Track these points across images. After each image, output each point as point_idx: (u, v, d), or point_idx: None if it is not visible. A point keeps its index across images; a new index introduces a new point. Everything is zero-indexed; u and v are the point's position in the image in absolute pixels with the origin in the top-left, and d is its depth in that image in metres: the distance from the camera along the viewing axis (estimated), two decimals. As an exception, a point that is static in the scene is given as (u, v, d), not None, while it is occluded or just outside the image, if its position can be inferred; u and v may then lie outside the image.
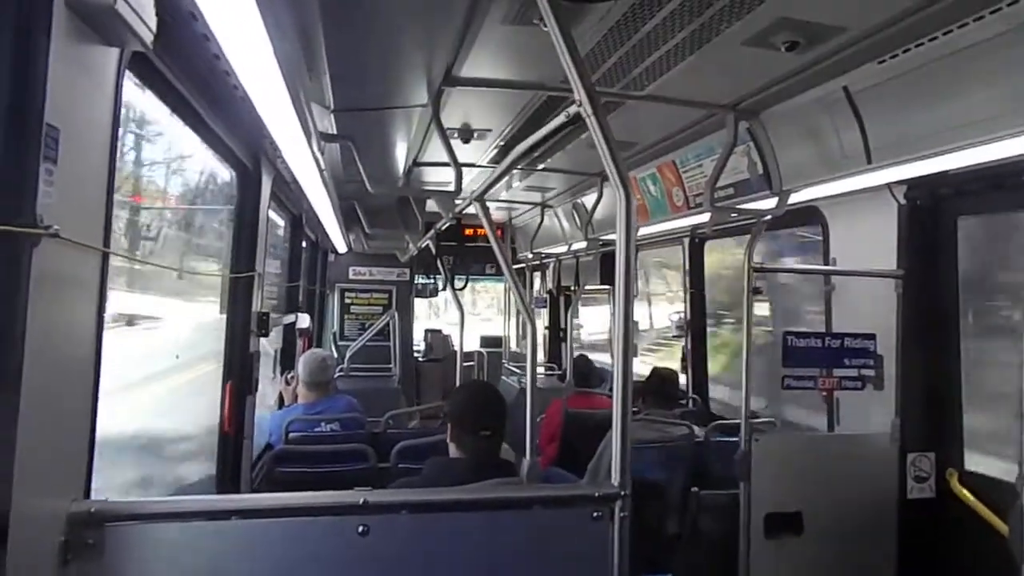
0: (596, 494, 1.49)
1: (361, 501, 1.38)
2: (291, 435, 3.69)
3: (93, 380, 1.37)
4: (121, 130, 1.44)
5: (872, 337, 3.06)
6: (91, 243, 1.30)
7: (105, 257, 1.36)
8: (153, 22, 1.29)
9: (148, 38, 1.29)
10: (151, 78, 1.78)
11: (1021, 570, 1.75)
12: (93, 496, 1.36)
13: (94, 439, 1.38)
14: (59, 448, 1.27)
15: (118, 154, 1.41)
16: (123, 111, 1.43)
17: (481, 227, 2.64)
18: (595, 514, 1.48)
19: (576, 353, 5.68)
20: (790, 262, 4.67)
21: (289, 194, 4.07)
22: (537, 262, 7.87)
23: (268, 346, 4.53)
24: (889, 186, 3.00)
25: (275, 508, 1.41)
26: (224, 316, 2.95)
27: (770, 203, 3.20)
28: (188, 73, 1.92)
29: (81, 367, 1.33)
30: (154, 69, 1.73)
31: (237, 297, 2.94)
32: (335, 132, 3.27)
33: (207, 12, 1.50)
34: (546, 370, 7.42)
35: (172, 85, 1.88)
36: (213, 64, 1.85)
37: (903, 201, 3.04)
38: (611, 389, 1.56)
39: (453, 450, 2.33)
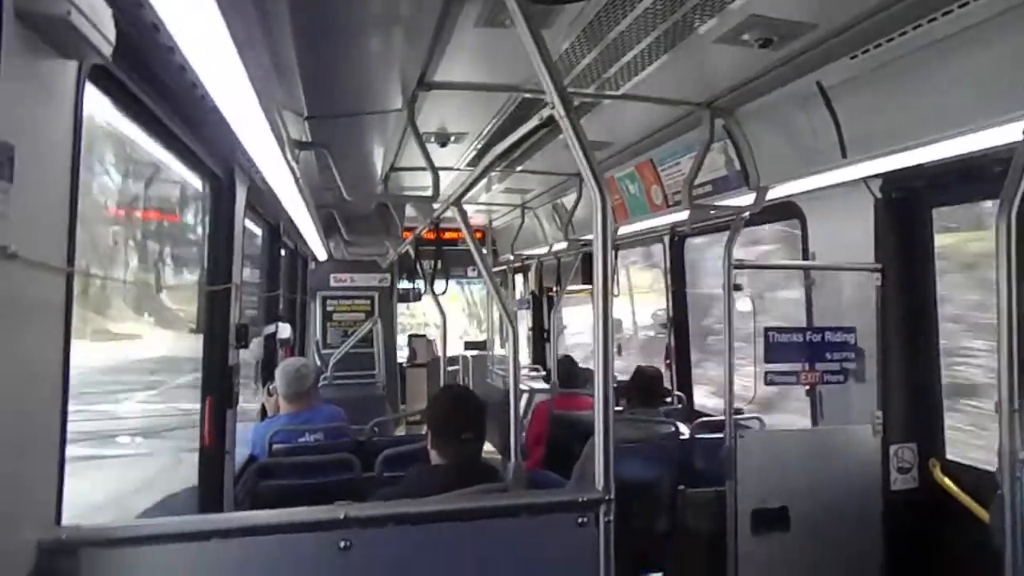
0: (580, 499, 1.47)
1: (342, 516, 1.36)
2: (275, 447, 3.64)
3: (61, 403, 1.33)
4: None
5: (852, 330, 3.08)
6: (53, 263, 1.26)
7: (70, 277, 1.32)
8: (112, 34, 1.26)
9: (107, 50, 1.25)
10: (114, 91, 1.73)
11: (1003, 558, 1.76)
12: (65, 522, 1.32)
13: (64, 463, 1.34)
14: (27, 474, 1.23)
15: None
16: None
17: (461, 230, 2.62)
18: (580, 520, 1.47)
19: (561, 354, 5.67)
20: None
21: (265, 203, 4.01)
22: (519, 264, 7.85)
23: (249, 357, 4.47)
24: (865, 180, 3.02)
25: (255, 527, 1.38)
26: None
27: (748, 199, 3.20)
28: (154, 85, 1.87)
29: (48, 390, 1.29)
30: (117, 81, 1.69)
31: (214, 310, 2.89)
32: (309, 140, 3.23)
33: (170, 23, 1.46)
34: (532, 372, 7.41)
35: (137, 97, 1.83)
36: (179, 75, 1.81)
37: (879, 195, 3.06)
38: None
39: (435, 456, 2.31)
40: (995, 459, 1.73)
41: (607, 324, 1.48)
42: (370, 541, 1.38)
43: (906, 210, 3.05)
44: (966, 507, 2.74)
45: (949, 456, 2.99)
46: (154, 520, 1.74)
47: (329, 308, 7.70)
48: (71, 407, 1.37)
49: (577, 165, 1.49)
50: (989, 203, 2.87)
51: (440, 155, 3.61)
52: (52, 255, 1.26)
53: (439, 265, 4.22)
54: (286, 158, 2.83)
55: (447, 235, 5.15)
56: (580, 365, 5.16)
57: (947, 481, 2.88)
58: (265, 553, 1.35)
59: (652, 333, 6.43)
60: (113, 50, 1.29)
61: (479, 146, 3.74)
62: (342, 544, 1.35)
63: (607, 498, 1.45)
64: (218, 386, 2.85)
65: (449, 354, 5.55)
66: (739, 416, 3.17)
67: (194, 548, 1.32)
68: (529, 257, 7.35)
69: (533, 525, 1.49)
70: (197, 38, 1.56)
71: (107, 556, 1.26)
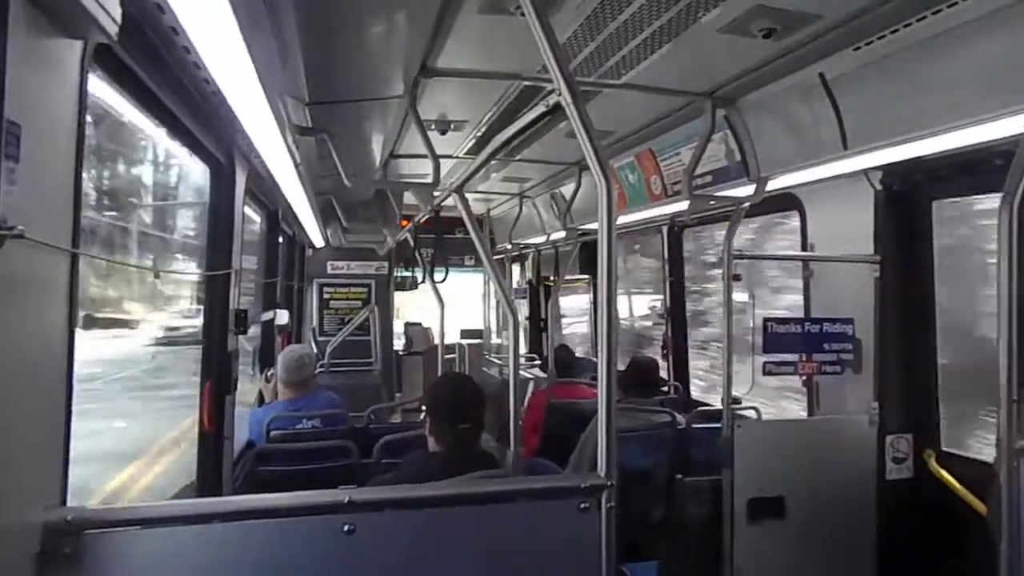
0: (583, 485, 1.48)
1: (346, 499, 1.36)
2: (272, 433, 3.65)
3: (66, 384, 1.33)
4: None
5: (850, 322, 3.09)
6: (59, 244, 1.25)
7: (74, 258, 1.31)
8: (118, 13, 1.24)
9: (112, 30, 1.24)
10: (117, 72, 1.72)
11: (1000, 548, 1.78)
12: (70, 503, 1.32)
13: (69, 444, 1.35)
14: (32, 455, 1.23)
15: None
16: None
17: (460, 218, 2.62)
18: (582, 505, 1.48)
19: (557, 343, 5.68)
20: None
21: (265, 189, 4.00)
22: (516, 253, 7.84)
23: (247, 343, 4.47)
24: (865, 172, 3.03)
25: (258, 509, 1.39)
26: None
27: (748, 190, 3.21)
28: (157, 67, 1.86)
29: (52, 372, 1.29)
30: (120, 63, 1.68)
31: (214, 295, 2.89)
32: (310, 125, 3.22)
33: (175, 4, 1.45)
34: (527, 361, 7.42)
35: (140, 79, 1.82)
36: (183, 58, 1.80)
37: (879, 187, 3.07)
38: (592, 379, 1.56)
39: (432, 443, 2.32)
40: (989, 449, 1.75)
41: (611, 313, 1.49)
42: (374, 525, 1.39)
43: (906, 202, 3.06)
44: (959, 497, 2.77)
45: (944, 447, 3.01)
46: (157, 503, 1.74)
47: (326, 295, 7.68)
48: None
49: (578, 153, 1.50)
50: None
51: (439, 142, 3.60)
52: (57, 236, 1.26)
53: (438, 253, 4.21)
54: (286, 143, 2.81)
55: (446, 223, 5.16)
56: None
57: (942, 471, 2.90)
58: (268, 536, 1.35)
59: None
60: (118, 30, 1.28)
61: (479, 134, 3.73)
62: (346, 528, 1.36)
63: (609, 484, 1.46)
64: (217, 371, 2.85)
65: (446, 342, 5.56)
66: (736, 406, 3.18)
67: (197, 531, 1.33)
68: (527, 246, 7.34)
69: (536, 510, 1.51)
70: (202, 20, 1.55)
71: (111, 537, 1.26)
